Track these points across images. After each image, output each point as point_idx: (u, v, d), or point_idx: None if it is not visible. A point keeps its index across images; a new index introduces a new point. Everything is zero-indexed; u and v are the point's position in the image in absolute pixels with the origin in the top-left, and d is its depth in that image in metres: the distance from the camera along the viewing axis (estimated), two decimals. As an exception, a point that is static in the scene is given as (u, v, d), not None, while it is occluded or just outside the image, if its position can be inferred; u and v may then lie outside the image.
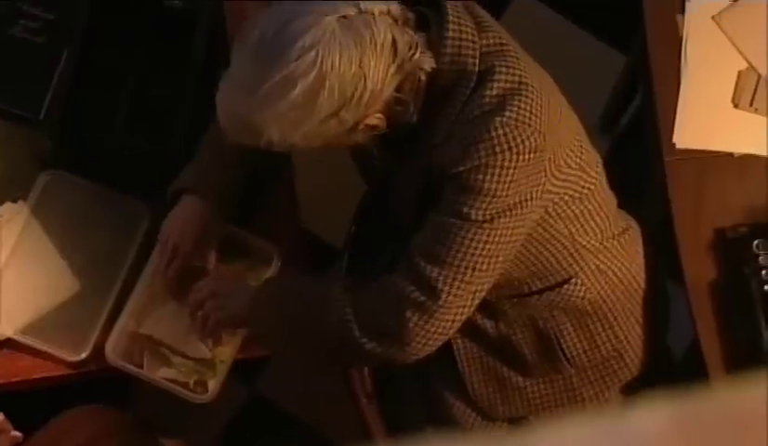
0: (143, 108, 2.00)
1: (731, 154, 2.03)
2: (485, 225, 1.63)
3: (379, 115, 1.61)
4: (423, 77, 1.62)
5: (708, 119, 2.05)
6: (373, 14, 1.56)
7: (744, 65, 2.08)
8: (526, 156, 1.62)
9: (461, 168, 1.62)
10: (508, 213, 1.64)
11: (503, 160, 1.61)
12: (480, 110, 1.62)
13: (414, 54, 1.59)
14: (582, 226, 1.81)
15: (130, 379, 1.96)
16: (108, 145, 1.99)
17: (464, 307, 1.68)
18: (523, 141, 1.61)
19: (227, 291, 1.86)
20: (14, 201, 2.00)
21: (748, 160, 2.03)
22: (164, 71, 2.02)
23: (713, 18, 2.10)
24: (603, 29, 2.83)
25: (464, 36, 1.64)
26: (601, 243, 1.86)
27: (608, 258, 1.88)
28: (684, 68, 2.07)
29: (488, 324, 1.88)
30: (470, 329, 1.83)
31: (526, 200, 1.66)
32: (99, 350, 1.94)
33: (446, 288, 1.65)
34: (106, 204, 2.00)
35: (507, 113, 1.61)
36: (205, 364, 1.97)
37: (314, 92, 1.54)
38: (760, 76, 2.07)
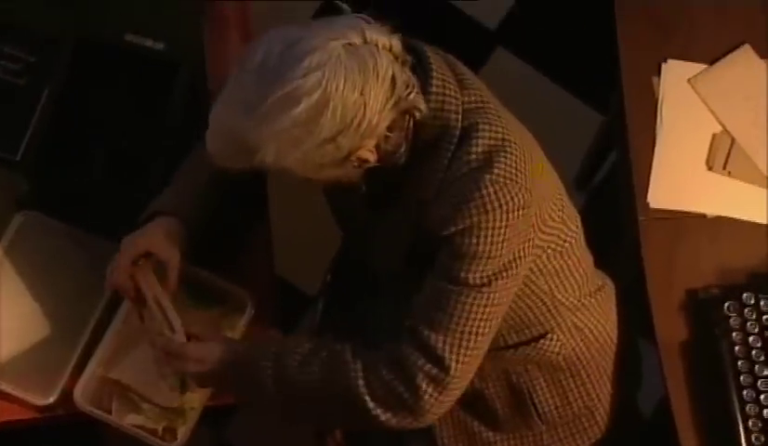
0: (121, 153, 2.00)
1: (704, 216, 2.06)
2: (484, 288, 1.65)
3: (372, 149, 1.61)
4: (417, 115, 1.63)
5: (682, 180, 2.07)
6: (377, 45, 1.57)
7: (718, 128, 2.11)
8: (516, 213, 1.63)
9: (453, 229, 1.63)
10: (504, 273, 1.65)
11: (494, 219, 1.62)
12: (467, 167, 1.63)
13: (410, 93, 1.60)
14: (561, 282, 1.82)
15: (100, 424, 1.94)
16: (84, 188, 1.98)
17: (471, 371, 1.69)
18: (512, 198, 1.62)
19: (206, 354, 1.78)
20: (-13, 241, 2.00)
21: (721, 222, 2.05)
22: (143, 116, 2.02)
23: (689, 80, 2.13)
24: (581, 87, 2.87)
25: (447, 92, 1.65)
26: (579, 300, 1.87)
27: (585, 316, 1.89)
28: (660, 129, 2.10)
29: None
30: None
31: (519, 257, 1.67)
32: (67, 394, 1.92)
33: (454, 357, 1.66)
34: (80, 247, 1.99)
35: (495, 170, 1.62)
36: (175, 411, 1.95)
37: (318, 112, 1.53)
38: (733, 140, 2.10)
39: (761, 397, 1.94)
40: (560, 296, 1.83)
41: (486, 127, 1.65)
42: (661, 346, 1.98)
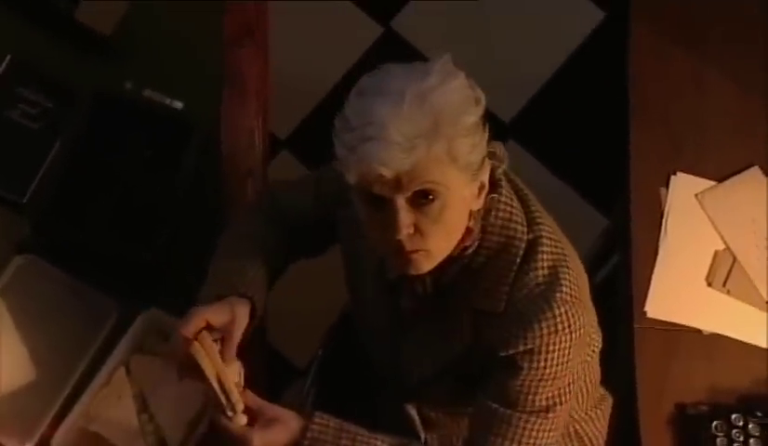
0: (127, 207, 2.00)
1: (700, 331, 2.06)
2: (549, 414, 1.64)
3: (485, 183, 1.59)
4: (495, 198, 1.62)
5: (680, 293, 2.07)
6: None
7: (721, 246, 2.11)
8: (579, 333, 1.63)
9: (521, 349, 1.61)
10: (566, 395, 1.66)
11: (561, 341, 1.62)
12: (534, 283, 1.63)
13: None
14: (577, 392, 1.82)
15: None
16: (86, 239, 1.98)
17: None
18: (578, 318, 1.63)
19: (271, 442, 1.67)
20: (-18, 282, 1.99)
21: (717, 339, 2.05)
22: (154, 173, 2.02)
23: (696, 195, 2.14)
24: (587, 189, 2.88)
25: (514, 204, 1.66)
26: (585, 412, 1.87)
27: (588, 426, 1.89)
28: (663, 240, 2.11)
29: None
30: None
31: (576, 377, 1.67)
32: (45, 443, 1.90)
33: None
34: (75, 297, 1.98)
35: (563, 289, 1.62)
36: (151, 471, 1.94)
37: (469, 86, 1.56)
38: (735, 259, 2.10)
39: (742, 521, 1.92)
40: (570, 410, 1.82)
41: (548, 242, 1.65)
42: (646, 458, 1.97)
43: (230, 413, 1.68)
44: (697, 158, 2.16)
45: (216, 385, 1.67)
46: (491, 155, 1.61)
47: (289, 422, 1.67)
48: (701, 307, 2.07)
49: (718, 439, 1.96)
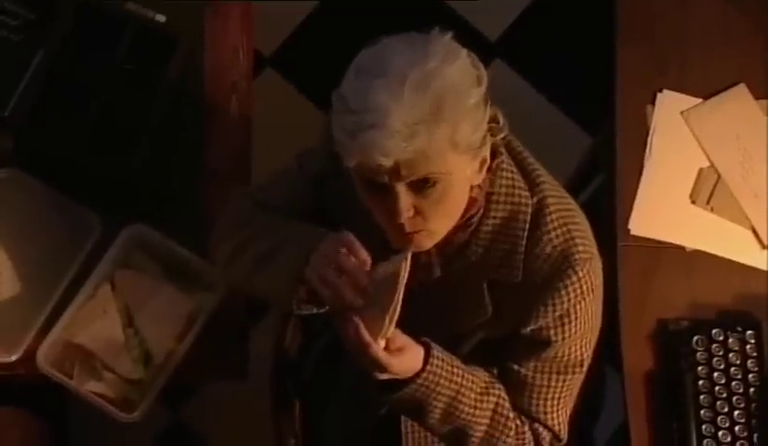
0: (109, 123, 1.98)
1: (682, 248, 2.07)
2: (584, 368, 1.69)
3: (487, 157, 1.57)
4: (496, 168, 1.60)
5: (664, 211, 2.08)
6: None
7: (705, 163, 2.12)
8: (600, 287, 1.66)
9: (550, 317, 1.63)
10: (594, 340, 1.69)
11: (587, 300, 1.63)
12: (550, 246, 1.62)
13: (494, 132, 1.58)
14: None
15: (64, 390, 1.93)
16: (68, 153, 1.97)
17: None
18: (598, 274, 1.65)
19: (406, 369, 1.63)
20: (-36, 195, 1.98)
21: (699, 256, 2.06)
22: (136, 88, 2.00)
23: (682, 113, 2.14)
24: (573, 107, 2.88)
25: (515, 170, 1.63)
26: None
27: None
28: (648, 158, 2.11)
29: None
30: None
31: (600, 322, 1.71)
32: (30, 355, 1.91)
33: (565, 427, 1.73)
34: (59, 211, 1.98)
35: (580, 248, 1.62)
36: (135, 384, 1.95)
37: (472, 65, 1.51)
38: (719, 176, 2.11)
39: (720, 433, 1.95)
40: None
41: (553, 201, 1.64)
42: (626, 372, 1.99)
43: (381, 340, 1.58)
44: (684, 76, 2.15)
45: (392, 311, 1.55)
46: (491, 127, 1.56)
47: (416, 352, 1.64)
48: (684, 224, 2.08)
49: (698, 354, 1.98)
